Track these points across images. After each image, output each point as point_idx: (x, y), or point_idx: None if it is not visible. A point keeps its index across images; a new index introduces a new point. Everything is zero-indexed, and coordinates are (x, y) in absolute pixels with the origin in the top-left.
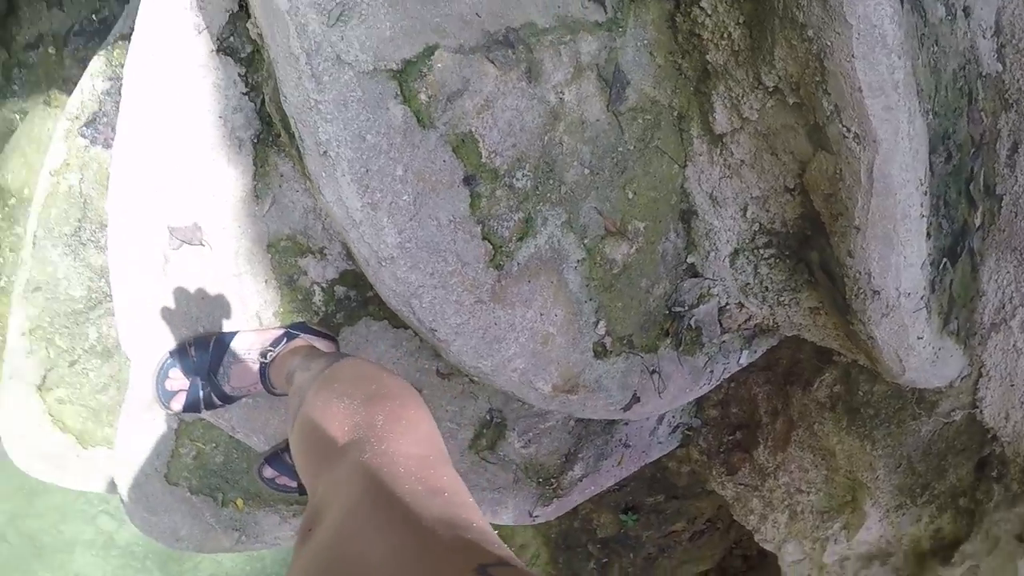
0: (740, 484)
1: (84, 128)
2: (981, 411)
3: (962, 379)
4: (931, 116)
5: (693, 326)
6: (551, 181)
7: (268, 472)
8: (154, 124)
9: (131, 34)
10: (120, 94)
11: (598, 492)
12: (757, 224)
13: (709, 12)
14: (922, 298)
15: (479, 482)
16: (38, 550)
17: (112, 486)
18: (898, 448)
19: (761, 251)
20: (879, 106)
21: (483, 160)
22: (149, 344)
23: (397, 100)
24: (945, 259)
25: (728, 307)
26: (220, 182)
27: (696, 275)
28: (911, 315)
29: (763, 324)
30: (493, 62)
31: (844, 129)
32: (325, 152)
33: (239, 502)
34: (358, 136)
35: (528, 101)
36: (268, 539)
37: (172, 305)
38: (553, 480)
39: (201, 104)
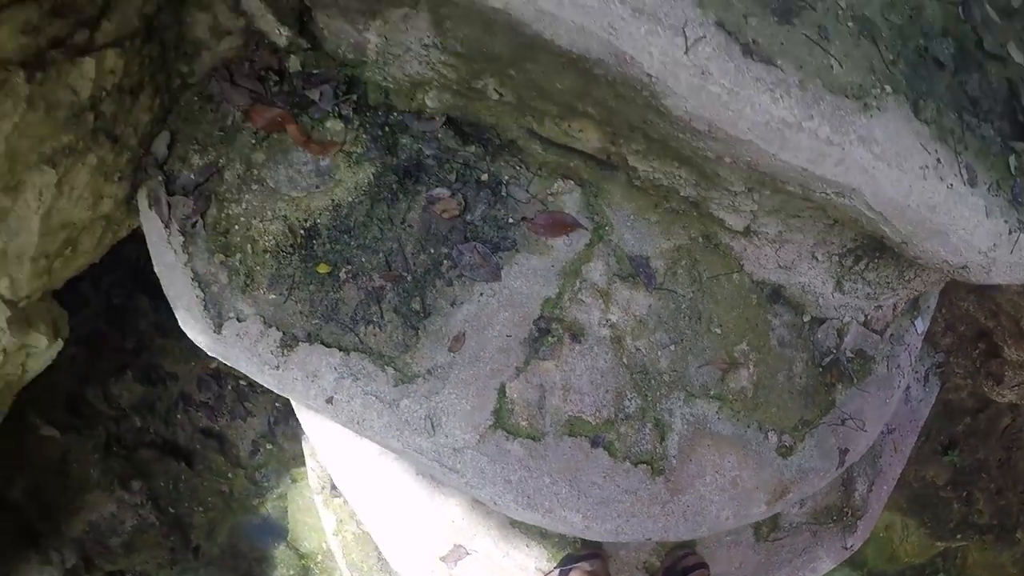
0: (1013, 386)
1: (333, 491)
2: None
3: None
4: (888, 85)
5: (852, 355)
6: (652, 382)
7: None
8: (376, 500)
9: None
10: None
11: (892, 487)
12: (834, 256)
13: (651, 170)
14: (1010, 230)
15: (784, 557)
16: None
17: None
18: None
19: (856, 268)
20: (830, 166)
21: (594, 423)
22: None
23: (509, 440)
24: (1010, 149)
25: (869, 316)
26: (448, 510)
27: (822, 322)
28: (1011, 254)
29: (909, 296)
30: (545, 358)
31: (822, 195)
32: (495, 503)
33: None
34: (505, 482)
35: (590, 354)
36: None
37: None
38: (845, 509)
39: (398, 472)
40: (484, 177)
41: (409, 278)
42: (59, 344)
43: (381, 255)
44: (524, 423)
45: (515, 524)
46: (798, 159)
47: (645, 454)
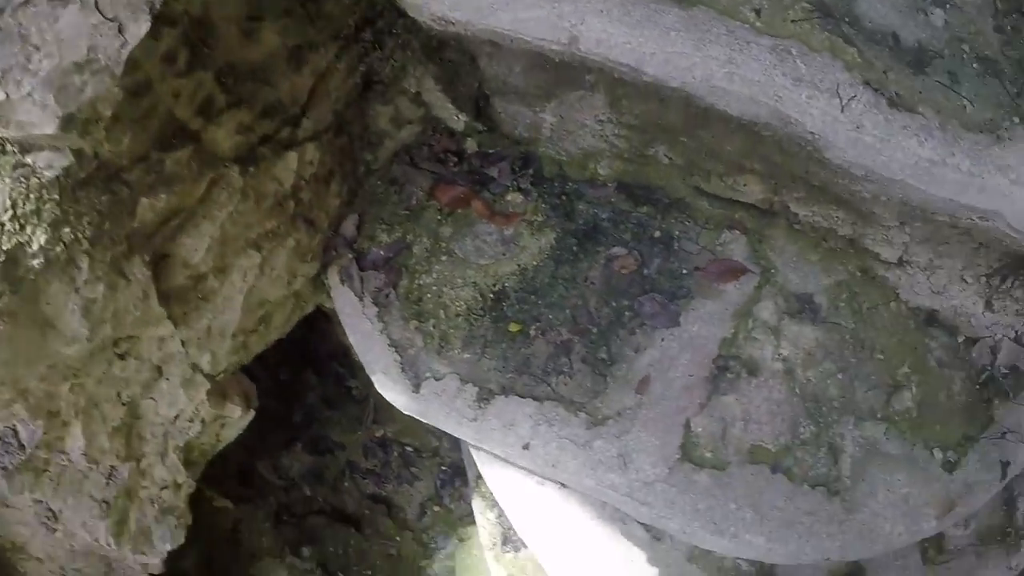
0: None
1: (503, 547)
2: None
3: None
4: (1016, 117)
5: (1007, 371)
6: (824, 408)
7: None
8: (555, 543)
9: (478, 476)
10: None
11: None
12: (982, 277)
13: (811, 215)
14: None
15: None
16: None
17: None
18: None
19: (1003, 286)
20: (973, 194)
21: (773, 450)
22: None
23: (696, 471)
24: None
25: (1019, 334)
26: (626, 549)
27: (976, 341)
28: None
29: None
30: (725, 393)
31: (968, 220)
32: (684, 532)
33: None
34: (693, 511)
35: (766, 387)
36: None
37: None
38: (1009, 529)
39: (577, 513)
40: (657, 234)
41: (595, 330)
42: (251, 415)
43: (567, 311)
44: (709, 454)
45: (692, 561)
46: (944, 191)
47: (821, 477)
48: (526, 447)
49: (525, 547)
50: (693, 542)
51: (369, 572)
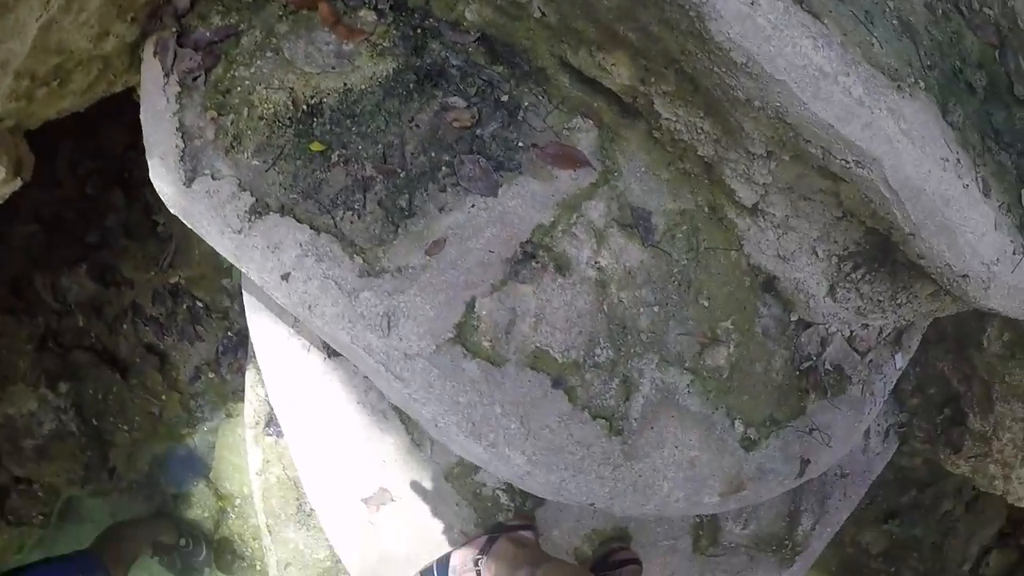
0: (970, 457)
1: (266, 428)
2: None
3: None
4: (922, 82)
5: (831, 368)
6: (629, 337)
7: None
8: (311, 427)
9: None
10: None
11: (837, 531)
12: (834, 256)
13: (674, 119)
14: (1015, 251)
15: None
16: None
17: None
18: None
19: (853, 275)
20: (857, 128)
21: (560, 361)
22: None
23: (467, 358)
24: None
25: (855, 334)
26: (383, 449)
27: (808, 326)
28: (1012, 273)
29: (898, 326)
30: (524, 282)
31: (842, 162)
32: (436, 425)
33: None
34: (453, 402)
35: (571, 291)
36: None
37: (394, 554)
38: (786, 542)
39: (338, 398)
40: (505, 99)
41: (402, 175)
42: (16, 184)
43: (380, 147)
44: (487, 343)
45: (449, 479)
46: (827, 113)
47: (606, 409)
48: (285, 277)
49: None
50: (445, 440)
51: (125, 427)
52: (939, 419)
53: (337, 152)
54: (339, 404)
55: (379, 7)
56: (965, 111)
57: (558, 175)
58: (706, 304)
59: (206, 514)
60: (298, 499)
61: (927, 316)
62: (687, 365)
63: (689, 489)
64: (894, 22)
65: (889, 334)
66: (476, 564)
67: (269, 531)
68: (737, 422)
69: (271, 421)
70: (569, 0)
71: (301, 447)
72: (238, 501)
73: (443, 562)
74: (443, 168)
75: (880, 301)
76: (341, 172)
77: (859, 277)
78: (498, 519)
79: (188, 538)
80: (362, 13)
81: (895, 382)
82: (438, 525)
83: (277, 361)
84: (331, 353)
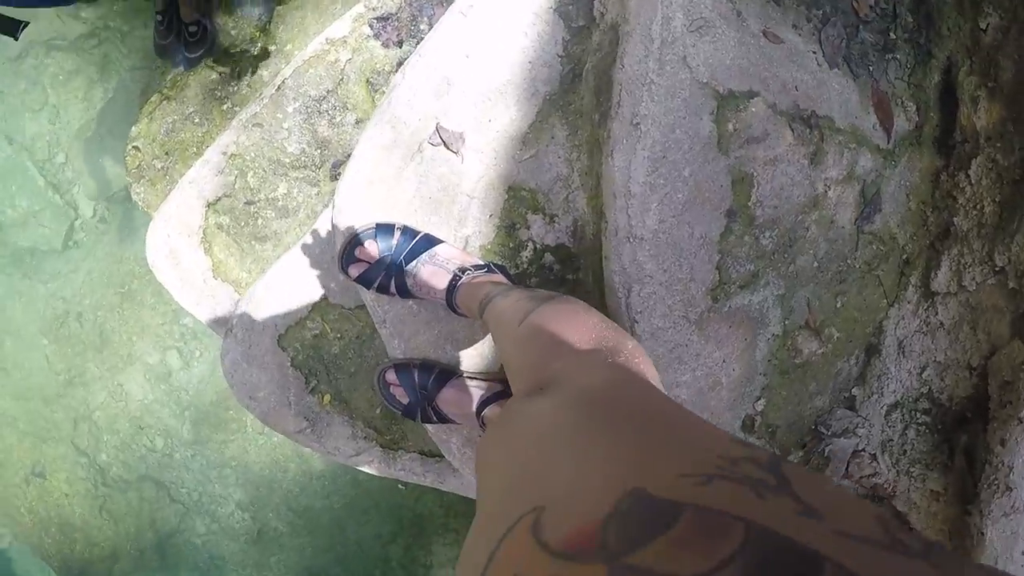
0: None
1: (375, 20)
2: None
3: None
4: None
5: (825, 454)
6: (787, 255)
7: (390, 376)
8: (470, 33)
9: None
10: (421, 8)
11: None
12: (927, 387)
13: (972, 181)
14: None
15: None
16: (102, 345)
17: (204, 333)
18: None
19: (918, 414)
20: None
21: (749, 203)
22: (362, 206)
23: (711, 117)
24: None
25: (862, 453)
26: (501, 113)
27: (852, 408)
28: None
29: (880, 489)
30: (793, 130)
31: None
32: (637, 124)
33: (327, 397)
34: (670, 126)
35: (803, 178)
36: (328, 444)
37: (403, 188)
38: None
39: (520, 44)
40: (892, 36)
41: None
42: None
43: None
44: (731, 127)
45: (510, 191)
46: None
47: (726, 272)
48: None
49: (386, 47)
50: None
51: None
52: None
53: None
54: (514, 49)
55: None
56: None
57: (870, 115)
58: (838, 305)
59: None
60: (328, 92)
61: (903, 505)
62: (787, 323)
63: (692, 400)
64: None
65: (865, 488)
66: (460, 271)
67: (279, 87)
68: (761, 400)
69: (386, 20)
70: None
71: (444, 35)
72: (273, 47)
73: (430, 238)
74: None
75: (905, 452)
76: None
77: (920, 420)
78: (501, 263)
79: None
80: None
81: None
82: (458, 211)
83: None
84: (557, 9)
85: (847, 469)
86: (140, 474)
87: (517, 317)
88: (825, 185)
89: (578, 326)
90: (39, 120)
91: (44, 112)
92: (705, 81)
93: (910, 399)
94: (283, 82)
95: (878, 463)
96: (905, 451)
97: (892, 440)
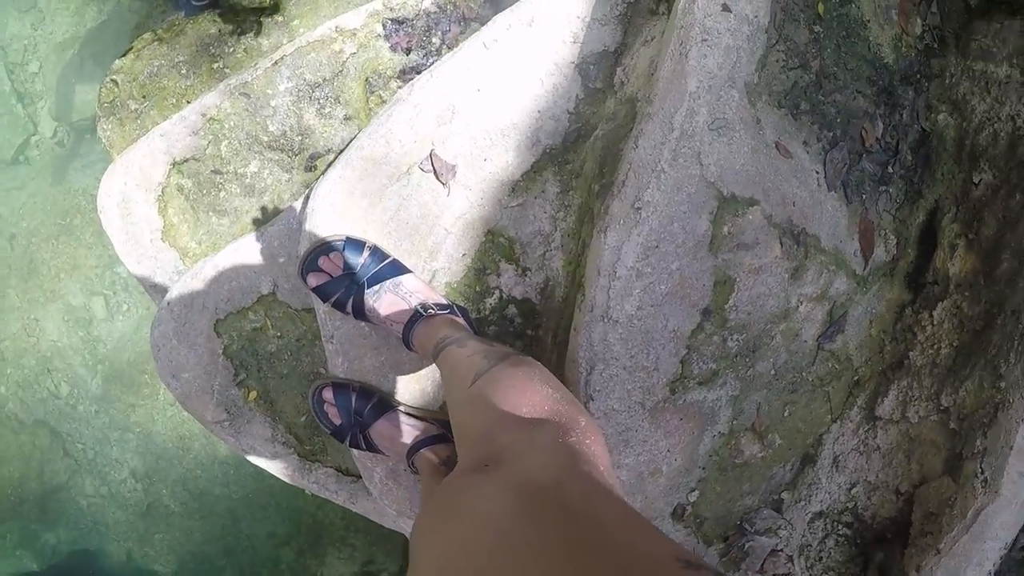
0: None
1: (389, 21)
2: None
3: None
4: None
5: (745, 549)
6: (748, 359)
7: (327, 395)
8: (488, 68)
9: None
10: (438, 21)
11: None
12: (854, 503)
13: (935, 322)
14: None
15: None
16: (28, 274)
17: (136, 288)
18: None
19: (840, 526)
20: (1015, 471)
21: (726, 306)
22: (337, 214)
23: (710, 217)
24: None
25: (779, 553)
26: (499, 155)
27: (778, 510)
28: None
29: None
30: (782, 244)
31: (979, 470)
32: (639, 209)
33: (253, 393)
34: (670, 218)
35: (780, 290)
36: (244, 442)
37: (383, 207)
38: None
39: (533, 91)
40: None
41: None
42: None
43: None
44: (725, 230)
45: (488, 234)
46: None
47: (688, 367)
48: None
49: (393, 52)
50: None
51: None
52: None
53: None
54: (525, 95)
55: None
56: None
57: (854, 241)
58: (785, 415)
59: None
60: (325, 81)
61: None
62: (734, 423)
63: (630, 482)
64: None
65: None
66: (423, 308)
67: (275, 62)
68: (695, 492)
69: (401, 23)
70: None
71: (465, 60)
72: (280, 19)
73: (398, 266)
74: None
75: (820, 559)
76: None
77: (840, 532)
78: (463, 305)
79: None
80: None
81: None
82: (431, 243)
83: (545, 9)
84: (579, 66)
85: (762, 566)
86: (37, 418)
87: (470, 375)
88: (799, 300)
89: (531, 395)
90: (23, 21)
91: (30, 15)
92: (712, 181)
93: (835, 511)
94: (282, 58)
95: (793, 565)
96: (821, 558)
97: (811, 545)
